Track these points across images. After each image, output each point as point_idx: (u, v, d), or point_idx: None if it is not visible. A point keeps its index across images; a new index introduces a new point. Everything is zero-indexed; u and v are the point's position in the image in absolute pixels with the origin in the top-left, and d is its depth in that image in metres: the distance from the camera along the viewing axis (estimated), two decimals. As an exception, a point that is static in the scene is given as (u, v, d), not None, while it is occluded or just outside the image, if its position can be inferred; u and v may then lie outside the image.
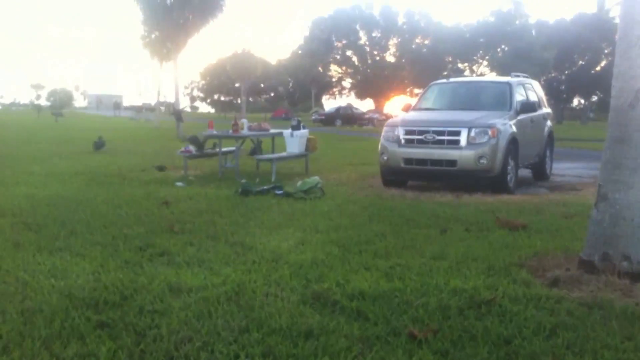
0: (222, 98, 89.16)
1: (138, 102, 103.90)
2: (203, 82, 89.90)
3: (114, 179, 11.50)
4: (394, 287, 4.56)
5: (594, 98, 74.46)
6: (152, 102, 75.15)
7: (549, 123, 13.33)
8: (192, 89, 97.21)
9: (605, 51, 65.71)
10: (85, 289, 4.46)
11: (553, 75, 65.79)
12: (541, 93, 13.52)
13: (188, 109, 55.88)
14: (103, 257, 5.38)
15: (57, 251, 5.62)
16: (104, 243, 5.94)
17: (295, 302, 4.22)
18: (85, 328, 3.72)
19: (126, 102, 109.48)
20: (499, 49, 63.46)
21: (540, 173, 12.92)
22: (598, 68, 67.51)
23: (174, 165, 13.84)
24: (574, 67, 68.56)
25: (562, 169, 14.81)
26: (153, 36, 38.08)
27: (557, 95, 65.95)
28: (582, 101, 78.10)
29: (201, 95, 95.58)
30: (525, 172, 12.64)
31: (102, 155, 16.80)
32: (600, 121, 67.95)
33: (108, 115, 76.79)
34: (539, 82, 14.73)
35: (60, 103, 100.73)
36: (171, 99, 54.21)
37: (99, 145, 18.49)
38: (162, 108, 65.23)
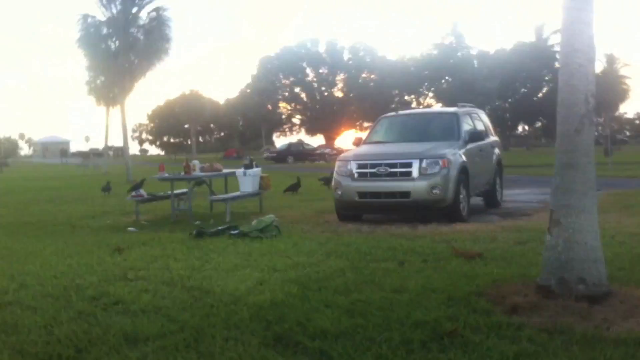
0: (172, 140, 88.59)
1: (85, 148, 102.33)
2: (152, 124, 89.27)
3: (64, 227, 11.22)
4: (356, 323, 4.51)
5: (538, 124, 76.54)
6: (100, 147, 74.20)
7: (497, 151, 13.60)
8: (141, 132, 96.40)
9: (546, 78, 68.00)
10: (37, 344, 4.29)
11: (497, 104, 67.50)
12: (488, 122, 13.81)
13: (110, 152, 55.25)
14: (55, 309, 5.19)
15: (6, 305, 5.41)
16: (56, 295, 5.74)
17: (256, 346, 4.13)
18: (39, 386, 3.57)
19: (73, 148, 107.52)
20: (443, 81, 65.02)
21: (491, 200, 13.12)
22: (540, 95, 69.69)
23: (125, 211, 13.60)
24: (516, 95, 70.64)
25: (512, 195, 15.07)
26: (98, 81, 37.81)
27: (502, 123, 67.56)
28: (527, 128, 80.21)
29: (150, 137, 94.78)
30: (477, 200, 12.81)
31: (49, 204, 16.41)
32: (545, 147, 69.80)
33: (55, 162, 75.34)
34: (484, 111, 15.04)
35: (5, 152, 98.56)
36: (120, 143, 53.50)
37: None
38: (111, 153, 64.33)
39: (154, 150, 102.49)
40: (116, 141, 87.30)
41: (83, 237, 9.83)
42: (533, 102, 68.79)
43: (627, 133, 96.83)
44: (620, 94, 56.88)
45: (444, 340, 4.09)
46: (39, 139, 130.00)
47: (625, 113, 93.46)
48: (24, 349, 4.20)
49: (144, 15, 30.69)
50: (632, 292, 5.05)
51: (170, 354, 4.01)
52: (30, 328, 4.69)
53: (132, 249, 8.24)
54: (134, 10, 30.38)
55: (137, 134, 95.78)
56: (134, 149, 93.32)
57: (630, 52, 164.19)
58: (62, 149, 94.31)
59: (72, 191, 21.72)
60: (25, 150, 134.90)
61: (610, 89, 48.72)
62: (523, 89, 70.51)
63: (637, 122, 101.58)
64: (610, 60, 63.69)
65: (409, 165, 10.34)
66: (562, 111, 5.01)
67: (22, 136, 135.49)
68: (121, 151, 47.09)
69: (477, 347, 3.95)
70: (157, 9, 30.28)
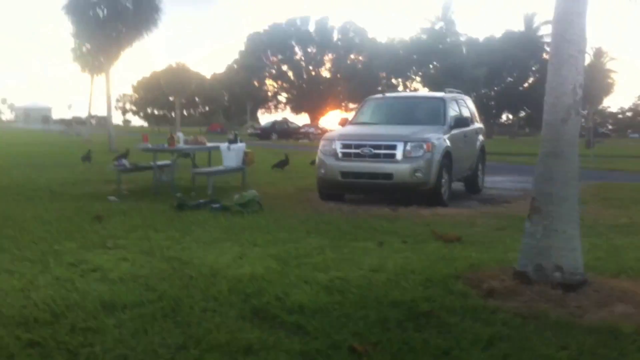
0: (156, 112, 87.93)
1: (68, 116, 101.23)
2: (136, 95, 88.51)
3: (44, 193, 11.14)
4: (333, 300, 4.54)
5: (522, 114, 76.89)
6: (83, 116, 73.44)
7: (481, 138, 13.66)
8: (125, 103, 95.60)
9: (533, 68, 68.21)
10: (14, 307, 4.28)
11: (483, 91, 67.61)
12: (473, 109, 13.84)
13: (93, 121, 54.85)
14: (33, 274, 5.17)
15: (-17, 268, 5.38)
16: (34, 259, 5.72)
17: (233, 318, 4.15)
18: (15, 347, 3.57)
19: (55, 116, 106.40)
20: (431, 66, 64.90)
21: (472, 186, 13.19)
22: (526, 85, 69.96)
23: (106, 179, 13.52)
24: (502, 84, 70.81)
25: (493, 182, 15.16)
26: (84, 49, 37.23)
27: (487, 111, 67.73)
28: (511, 117, 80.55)
29: (134, 108, 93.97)
30: (458, 185, 12.88)
31: (30, 169, 16.26)
32: (528, 136, 70.23)
33: (36, 129, 74.50)
34: (470, 97, 15.06)
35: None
36: (103, 113, 52.97)
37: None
38: (93, 121, 63.71)
39: (137, 122, 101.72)
40: (99, 110, 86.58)
41: (63, 203, 9.76)
42: (519, 92, 69.06)
43: (610, 127, 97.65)
44: (605, 88, 57.15)
45: (420, 320, 4.14)
46: (22, 104, 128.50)
47: (609, 107, 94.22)
48: (1, 312, 4.18)
49: (134, -17, 30.20)
50: (607, 282, 5.12)
51: (148, 322, 4.02)
52: (7, 292, 4.67)
53: (112, 218, 8.21)
54: (124, -23, 29.92)
55: (121, 104, 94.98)
56: (117, 119, 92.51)
57: (617, 46, 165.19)
58: (44, 115, 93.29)
59: (53, 158, 21.52)
60: (6, 115, 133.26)
61: (595, 82, 48.97)
62: (509, 78, 70.71)
63: (619, 116, 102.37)
64: (598, 53, 63.85)
65: (393, 147, 10.36)
66: (549, 100, 5.03)
67: (4, 101, 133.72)
68: (104, 120, 46.60)
69: (452, 329, 4.00)
70: (147, -22, 29.83)
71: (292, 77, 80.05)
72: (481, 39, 71.38)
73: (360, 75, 69.15)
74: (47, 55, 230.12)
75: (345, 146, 10.71)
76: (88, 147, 22.21)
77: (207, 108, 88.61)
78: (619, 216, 9.43)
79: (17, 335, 3.76)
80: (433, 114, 11.76)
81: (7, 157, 20.38)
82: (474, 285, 5.02)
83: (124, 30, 30.24)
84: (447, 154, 10.73)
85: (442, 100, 12.04)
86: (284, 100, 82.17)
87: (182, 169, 14.07)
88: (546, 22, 69.86)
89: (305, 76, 78.88)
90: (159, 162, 12.48)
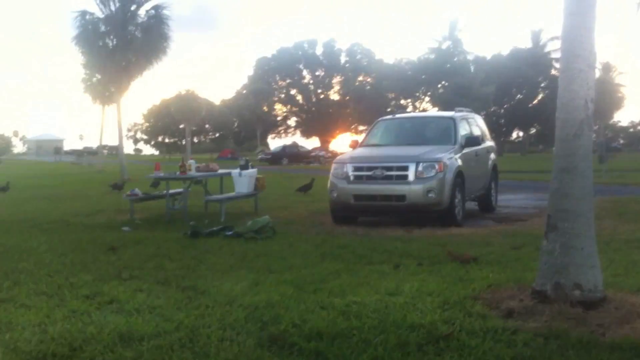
0: (167, 140, 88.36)
1: (79, 146, 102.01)
2: (147, 124, 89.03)
3: (58, 225, 11.18)
4: (351, 325, 4.50)
5: (533, 130, 76.76)
6: (94, 146, 73.96)
7: (492, 156, 13.62)
8: (136, 131, 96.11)
9: (542, 85, 68.21)
10: (31, 342, 4.26)
11: (493, 109, 67.63)
12: (484, 127, 13.83)
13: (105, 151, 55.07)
14: (49, 308, 5.16)
15: (0, 303, 5.38)
16: (50, 293, 5.71)
17: (252, 346, 4.11)
18: (32, 384, 3.55)
19: (67, 147, 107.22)
20: (439, 85, 65.06)
21: (486, 205, 13.13)
22: (535, 101, 69.93)
23: (119, 209, 13.56)
24: (512, 101, 70.88)
25: (506, 200, 15.09)
26: (95, 79, 37.61)
27: (497, 128, 67.76)
28: (521, 134, 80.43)
29: (145, 137, 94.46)
30: (471, 205, 12.82)
31: (43, 202, 16.35)
32: (539, 153, 69.91)
33: (49, 160, 75.10)
34: (480, 116, 15.06)
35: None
36: (114, 142, 53.30)
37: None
38: (105, 151, 64.16)
39: (148, 150, 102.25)
40: (110, 140, 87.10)
41: (77, 235, 9.78)
42: (528, 108, 69.09)
43: (621, 141, 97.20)
44: (616, 102, 56.95)
45: (439, 344, 4.09)
46: (33, 136, 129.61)
47: (620, 121, 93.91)
48: (18, 347, 4.17)
49: (142, 13, 30.46)
50: (627, 298, 5.05)
51: (166, 353, 4.00)
52: (24, 326, 4.66)
53: (127, 248, 8.22)
54: (133, 7, 30.16)
55: (132, 133, 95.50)
56: (128, 148, 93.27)
57: (625, 60, 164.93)
58: (56, 146, 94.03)
59: (66, 189, 21.64)
60: (19, 148, 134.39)
61: (606, 97, 48.83)
62: (519, 95, 70.79)
63: (631, 130, 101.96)
64: (606, 68, 63.84)
65: (406, 168, 10.35)
66: (561, 116, 5.02)
67: (16, 134, 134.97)
68: (115, 150, 46.89)
69: (473, 351, 3.94)
70: (155, 7, 30.02)
71: (301, 101, 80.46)
72: (489, 56, 71.65)
73: (369, 97, 69.39)
74: (58, 86, 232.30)
75: (357, 169, 10.71)
76: (122, 179, 22.42)
77: (217, 134, 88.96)
78: (635, 231, 9.33)
79: (35, 370, 3.74)
80: (444, 133, 11.76)
81: (20, 190, 20.49)
82: (493, 306, 4.97)
83: (133, 59, 30.43)
84: (460, 174, 10.70)
85: (452, 119, 12.03)
86: (293, 124, 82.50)
87: (194, 196, 14.09)
88: (553, 39, 70.14)
89: (314, 99, 79.25)
90: (172, 190, 12.53)
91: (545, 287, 4.93)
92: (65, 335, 4.38)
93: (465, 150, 11.37)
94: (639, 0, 5.72)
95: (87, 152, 73.38)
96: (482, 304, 5.03)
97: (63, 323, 4.70)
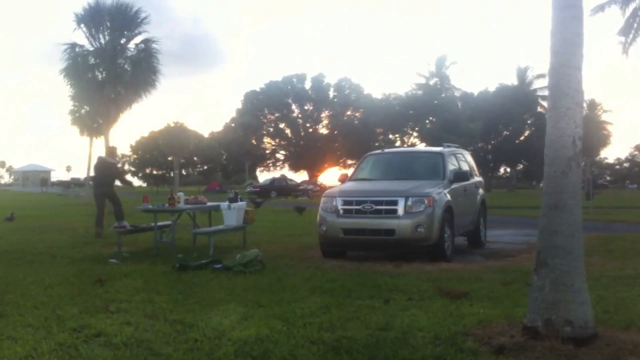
0: (155, 172, 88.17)
1: (67, 178, 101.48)
2: (135, 156, 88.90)
3: (44, 257, 11.06)
4: (341, 361, 4.47)
5: (520, 166, 77.31)
6: (82, 177, 73.60)
7: (481, 191, 13.69)
8: (124, 163, 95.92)
9: (528, 122, 68.87)
10: (16, 376, 4.20)
11: (480, 145, 68.12)
12: (472, 162, 13.92)
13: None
14: (36, 340, 5.09)
15: (-15, 335, 5.30)
16: (36, 325, 5.64)
17: (241, 381, 4.07)
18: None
19: (55, 177, 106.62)
20: (427, 121, 65.52)
21: (475, 240, 13.15)
22: (522, 137, 70.49)
23: (106, 241, 13.46)
24: (499, 137, 71.40)
25: (495, 235, 15.12)
26: (83, 111, 37.53)
27: (484, 164, 68.17)
28: (508, 170, 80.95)
29: (132, 169, 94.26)
30: (460, 240, 12.83)
31: (29, 233, 16.19)
32: (526, 189, 70.30)
33: (35, 191, 74.59)
34: (468, 151, 15.17)
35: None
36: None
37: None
38: (92, 183, 63.83)
39: (136, 182, 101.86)
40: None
41: (64, 267, 9.69)
42: (515, 145, 69.62)
43: (608, 178, 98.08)
44: (602, 140, 57.60)
45: (431, 380, 4.06)
46: (20, 167, 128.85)
47: (606, 158, 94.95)
48: (3, 381, 4.10)
49: (132, 47, 30.55)
50: (617, 335, 5.05)
51: (153, 388, 3.94)
52: (11, 359, 4.59)
53: (114, 281, 8.13)
54: (123, 41, 30.25)
55: (119, 165, 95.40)
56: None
57: (609, 98, 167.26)
58: (42, 177, 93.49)
59: (52, 220, 21.45)
60: (5, 178, 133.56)
61: (591, 134, 49.39)
62: (505, 132, 71.39)
63: (617, 167, 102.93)
64: (592, 105, 64.74)
65: (395, 203, 10.36)
66: (549, 153, 5.07)
67: (2, 164, 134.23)
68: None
69: (464, 388, 3.91)
70: (145, 41, 30.06)
71: (289, 135, 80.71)
72: (475, 93, 72.40)
73: (357, 132, 69.82)
74: (46, 118, 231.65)
75: (346, 202, 10.71)
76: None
77: (205, 167, 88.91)
78: (624, 267, 9.37)
79: (21, 405, 3.68)
80: (433, 168, 11.81)
81: (5, 221, 20.29)
82: (484, 342, 4.95)
83: (122, 92, 30.40)
84: (449, 209, 10.72)
85: (440, 154, 12.11)
86: (282, 157, 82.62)
87: (182, 229, 14.02)
88: (539, 76, 71.11)
89: (302, 133, 79.53)
90: (159, 223, 12.46)
91: (536, 323, 4.92)
92: (51, 369, 4.32)
93: (454, 186, 11.42)
94: (623, 39, 5.83)
95: (74, 183, 73.02)
96: (473, 339, 5.01)
97: (50, 356, 4.65)
